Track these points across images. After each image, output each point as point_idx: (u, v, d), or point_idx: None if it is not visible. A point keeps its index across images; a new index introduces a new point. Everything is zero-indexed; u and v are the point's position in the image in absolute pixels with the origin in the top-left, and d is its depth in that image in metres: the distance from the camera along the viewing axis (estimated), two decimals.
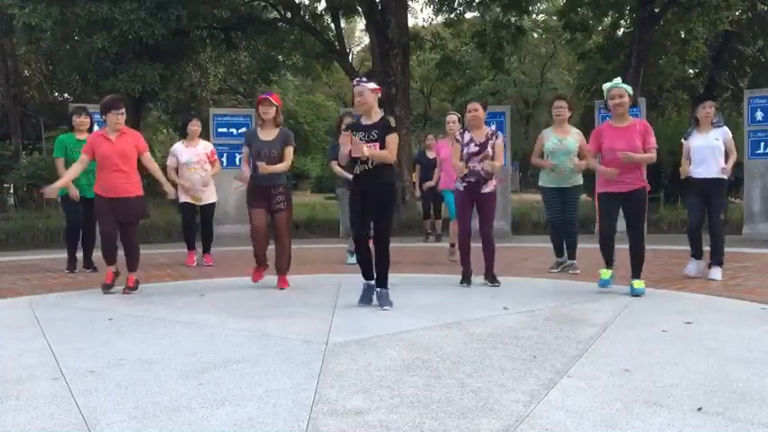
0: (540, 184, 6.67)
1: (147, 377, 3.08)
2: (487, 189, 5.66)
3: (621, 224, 5.32)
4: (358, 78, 4.94)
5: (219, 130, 10.77)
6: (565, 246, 6.56)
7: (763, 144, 9.53)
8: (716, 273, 5.91)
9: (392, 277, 5.04)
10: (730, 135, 5.97)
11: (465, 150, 5.64)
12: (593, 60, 21.51)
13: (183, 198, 7.29)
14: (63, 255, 7.22)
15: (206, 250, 7.44)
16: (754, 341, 3.65)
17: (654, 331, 3.90)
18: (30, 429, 2.48)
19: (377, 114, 4.82)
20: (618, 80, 5.33)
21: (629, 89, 5.24)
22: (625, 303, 4.79)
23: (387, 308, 4.71)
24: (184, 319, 4.40)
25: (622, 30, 21.01)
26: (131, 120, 18.82)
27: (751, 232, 9.51)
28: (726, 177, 5.89)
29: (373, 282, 4.91)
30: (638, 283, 5.16)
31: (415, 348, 3.55)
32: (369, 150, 4.61)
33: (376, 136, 4.73)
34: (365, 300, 4.92)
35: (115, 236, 5.56)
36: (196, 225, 7.56)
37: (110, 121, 5.48)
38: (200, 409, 2.65)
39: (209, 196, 7.40)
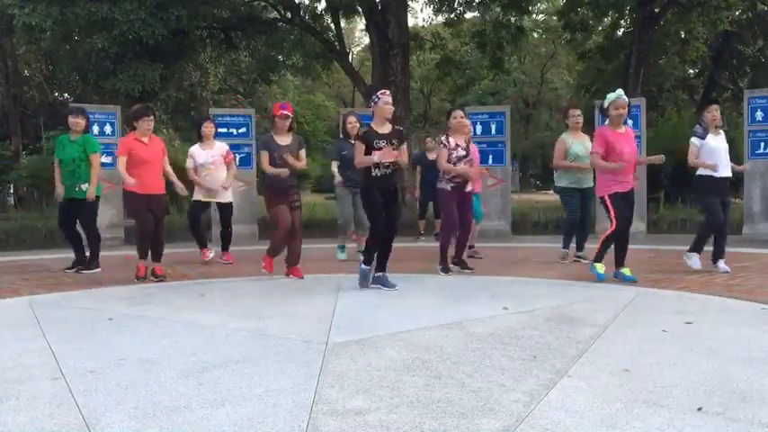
0: (560, 185, 7.06)
1: (147, 377, 3.08)
2: (469, 188, 6.37)
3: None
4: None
5: (219, 130, 10.73)
6: (580, 239, 7.10)
7: (763, 144, 9.52)
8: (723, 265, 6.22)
9: (392, 277, 5.45)
10: None
11: (454, 154, 6.19)
12: (594, 60, 21.48)
13: (197, 196, 7.47)
14: (63, 255, 7.23)
15: (224, 249, 7.56)
16: (754, 341, 3.65)
17: (654, 331, 3.90)
18: (30, 429, 2.48)
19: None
20: (620, 92, 5.71)
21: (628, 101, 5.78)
22: (625, 303, 4.79)
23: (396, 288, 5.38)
24: (184, 319, 4.40)
25: (622, 30, 20.99)
26: (130, 120, 18.87)
27: (751, 232, 9.50)
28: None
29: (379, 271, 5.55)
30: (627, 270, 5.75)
31: (415, 348, 3.55)
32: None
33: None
34: (366, 281, 5.50)
35: (152, 231, 6.13)
36: (203, 225, 7.73)
37: (142, 127, 6.18)
38: (200, 409, 2.65)
39: (225, 196, 7.53)
